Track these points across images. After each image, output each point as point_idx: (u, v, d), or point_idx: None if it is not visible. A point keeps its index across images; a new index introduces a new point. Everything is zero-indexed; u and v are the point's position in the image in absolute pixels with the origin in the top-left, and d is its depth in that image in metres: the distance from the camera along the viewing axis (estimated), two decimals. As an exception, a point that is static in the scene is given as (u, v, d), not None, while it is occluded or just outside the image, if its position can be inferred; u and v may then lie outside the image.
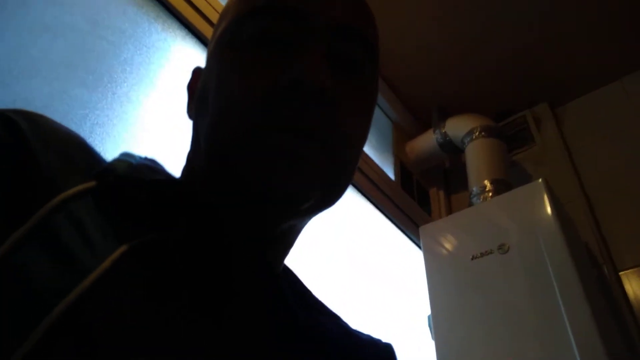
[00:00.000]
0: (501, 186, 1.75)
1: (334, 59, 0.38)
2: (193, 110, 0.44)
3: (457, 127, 2.07)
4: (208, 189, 0.38)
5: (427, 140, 2.21)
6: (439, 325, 1.45)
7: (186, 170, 0.44)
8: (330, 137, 0.36)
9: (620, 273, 1.68)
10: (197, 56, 1.24)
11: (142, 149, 0.97)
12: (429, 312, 1.53)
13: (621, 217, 1.78)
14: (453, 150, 2.14)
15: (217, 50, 0.41)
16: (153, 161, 0.41)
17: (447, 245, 1.60)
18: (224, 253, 0.37)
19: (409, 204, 2.03)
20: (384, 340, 0.50)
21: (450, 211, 2.24)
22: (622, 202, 1.81)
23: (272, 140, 0.34)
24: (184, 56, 1.20)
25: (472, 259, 1.47)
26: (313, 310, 0.45)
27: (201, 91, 0.42)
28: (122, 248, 0.30)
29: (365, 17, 0.42)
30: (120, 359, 0.26)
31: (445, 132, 2.12)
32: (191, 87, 0.48)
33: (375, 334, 0.51)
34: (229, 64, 0.38)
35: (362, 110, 0.41)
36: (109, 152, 0.90)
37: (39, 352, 0.24)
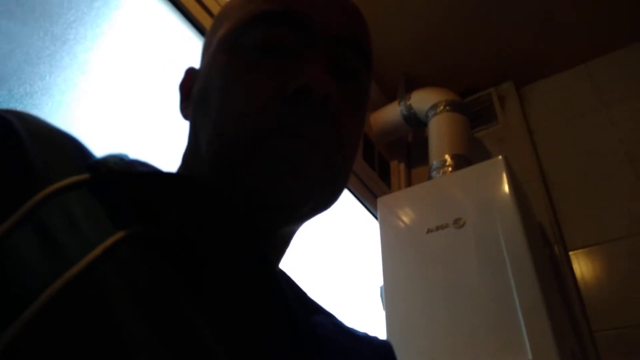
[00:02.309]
0: (461, 161, 1.73)
1: (334, 67, 0.39)
2: (190, 111, 0.44)
3: (422, 99, 2.04)
4: (209, 190, 0.37)
5: (392, 112, 2.16)
6: (391, 296, 1.44)
7: (182, 170, 0.43)
8: (331, 144, 0.37)
9: (570, 253, 1.71)
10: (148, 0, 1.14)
11: (77, 94, 0.89)
12: (381, 283, 1.51)
13: (575, 199, 1.81)
14: (417, 123, 2.10)
15: (219, 53, 0.41)
16: (145, 162, 0.40)
17: (404, 218, 1.58)
18: (220, 250, 0.36)
19: (369, 174, 2.00)
20: (381, 338, 0.51)
21: (410, 185, 2.23)
22: (577, 185, 1.83)
23: (277, 147, 0.35)
24: (134, -2, 1.10)
25: (427, 232, 1.46)
26: (309, 309, 0.46)
27: (200, 93, 0.42)
28: (114, 238, 0.29)
29: (362, 28, 0.44)
30: (108, 349, 0.25)
31: (410, 104, 2.08)
32: (183, 87, 0.48)
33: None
34: (233, 68, 0.39)
35: (358, 117, 0.43)
36: (40, 94, 0.81)
37: (23, 341, 0.23)
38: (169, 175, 0.37)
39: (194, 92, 0.44)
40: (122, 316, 0.26)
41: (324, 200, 0.40)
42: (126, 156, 0.38)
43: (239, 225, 0.36)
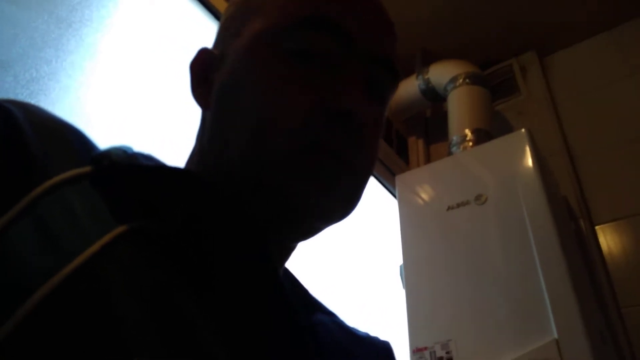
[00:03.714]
0: (482, 136, 1.68)
1: (368, 85, 0.40)
2: (211, 102, 0.42)
3: (440, 73, 1.98)
4: (225, 190, 0.36)
5: (409, 87, 2.11)
6: (411, 275, 1.41)
7: (195, 162, 0.43)
8: (361, 167, 0.39)
9: (597, 227, 1.66)
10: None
11: (84, 78, 0.87)
12: (401, 261, 1.49)
13: (601, 171, 1.75)
14: (435, 97, 2.05)
15: (256, 50, 0.39)
16: (149, 155, 0.39)
17: (423, 195, 1.55)
18: (223, 248, 0.35)
19: (387, 152, 1.96)
20: (382, 338, 0.52)
21: (428, 161, 2.18)
22: (604, 157, 1.77)
23: (317, 162, 0.36)
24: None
25: (447, 209, 1.42)
26: (311, 308, 0.46)
27: (230, 87, 0.40)
28: (114, 232, 0.29)
29: (395, 46, 0.44)
30: (105, 344, 0.24)
31: (428, 78, 2.02)
32: (196, 68, 0.45)
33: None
34: (273, 73, 0.38)
35: (379, 134, 0.43)
36: (47, 79, 0.79)
37: (19, 336, 0.23)
38: (172, 169, 0.36)
39: (219, 81, 0.42)
40: (120, 312, 0.25)
41: (340, 217, 0.41)
42: (130, 149, 0.37)
43: (245, 226, 0.35)
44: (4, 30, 0.76)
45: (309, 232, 0.41)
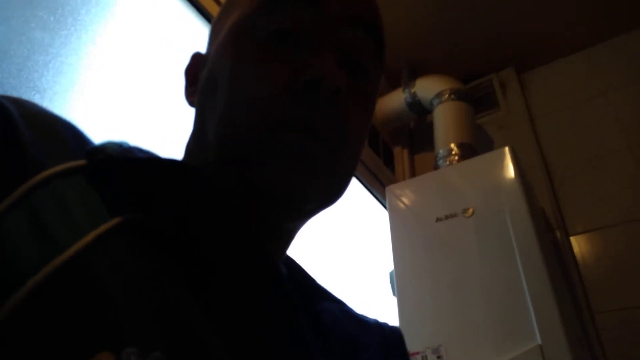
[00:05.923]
0: (467, 150, 1.78)
1: (345, 56, 0.39)
2: (196, 98, 0.43)
3: (426, 87, 2.07)
4: (214, 181, 0.36)
5: (396, 100, 2.19)
6: (401, 282, 1.49)
7: (185, 159, 0.43)
8: (338, 139, 0.37)
9: (571, 237, 1.78)
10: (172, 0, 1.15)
11: (110, 99, 0.91)
12: (391, 268, 1.57)
13: (576, 184, 1.87)
14: (421, 110, 2.14)
15: (229, 40, 0.40)
16: (145, 149, 0.39)
17: (413, 207, 1.63)
18: (219, 240, 0.34)
19: (376, 162, 2.04)
20: (391, 324, 0.51)
21: (413, 171, 2.27)
22: (578, 171, 1.89)
23: (286, 140, 0.35)
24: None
25: (436, 220, 1.51)
26: (317, 297, 0.46)
27: (209, 78, 0.41)
28: (107, 225, 0.29)
29: (376, 11, 0.42)
30: (96, 336, 0.24)
31: (414, 92, 2.11)
32: (189, 72, 0.47)
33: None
34: (245, 54, 0.38)
35: (366, 111, 0.42)
36: (75, 103, 0.83)
37: (11, 323, 0.23)
38: (168, 161, 0.35)
39: (202, 78, 0.43)
40: (112, 303, 0.25)
41: (328, 196, 0.39)
42: (126, 143, 0.36)
43: (239, 216, 0.35)
44: (36, 57, 0.79)
45: (296, 214, 0.39)
